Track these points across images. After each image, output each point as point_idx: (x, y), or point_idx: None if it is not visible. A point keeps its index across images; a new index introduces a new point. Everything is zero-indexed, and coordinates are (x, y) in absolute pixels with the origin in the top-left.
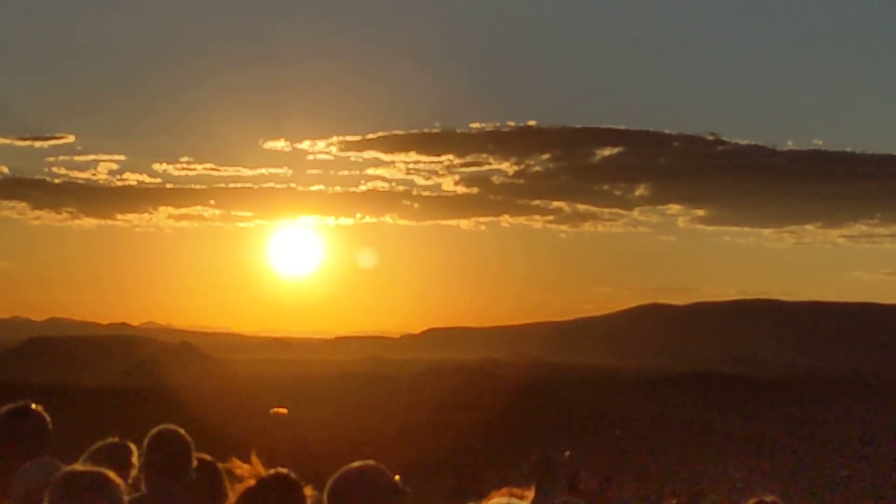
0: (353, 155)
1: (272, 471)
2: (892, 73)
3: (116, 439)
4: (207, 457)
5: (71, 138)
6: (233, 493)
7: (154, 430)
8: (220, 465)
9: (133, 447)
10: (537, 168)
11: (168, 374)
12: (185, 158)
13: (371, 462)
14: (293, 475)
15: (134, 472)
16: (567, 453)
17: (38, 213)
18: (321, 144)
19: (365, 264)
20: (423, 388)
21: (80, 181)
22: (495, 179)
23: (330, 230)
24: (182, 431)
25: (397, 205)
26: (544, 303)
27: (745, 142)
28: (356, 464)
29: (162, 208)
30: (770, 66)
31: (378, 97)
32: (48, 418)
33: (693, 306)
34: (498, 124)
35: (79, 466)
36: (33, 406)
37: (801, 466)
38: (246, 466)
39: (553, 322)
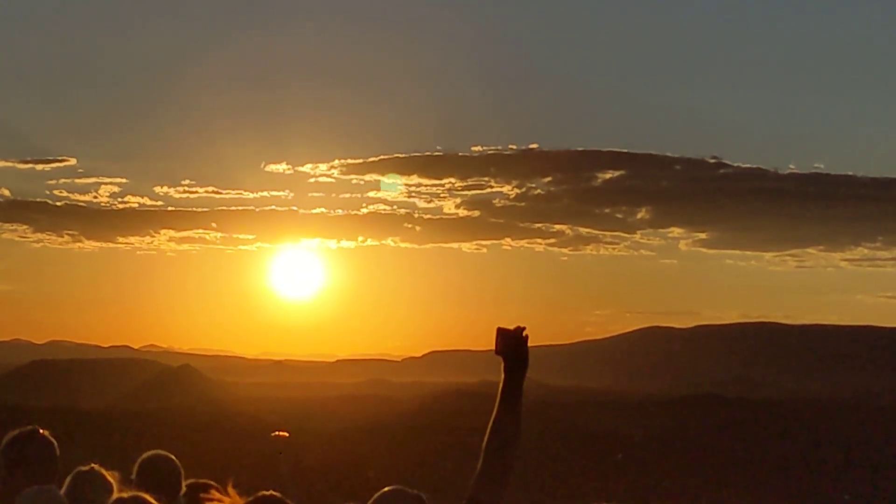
0: (354, 178)
1: (259, 493)
2: (894, 96)
3: (95, 465)
4: (210, 482)
5: (73, 161)
6: None
7: (143, 456)
8: (216, 489)
9: (106, 474)
10: (539, 191)
11: (169, 396)
12: (187, 181)
13: (400, 486)
14: (278, 496)
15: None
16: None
17: (39, 235)
18: (323, 167)
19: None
20: (424, 411)
21: (82, 204)
22: (497, 202)
23: (332, 253)
24: (171, 456)
25: (399, 228)
26: (546, 325)
27: (746, 165)
28: (387, 489)
29: (163, 231)
30: (772, 90)
31: (380, 120)
32: (55, 443)
33: (695, 329)
34: (500, 147)
35: (124, 493)
36: (41, 431)
37: (803, 490)
38: (226, 499)
39: (554, 345)
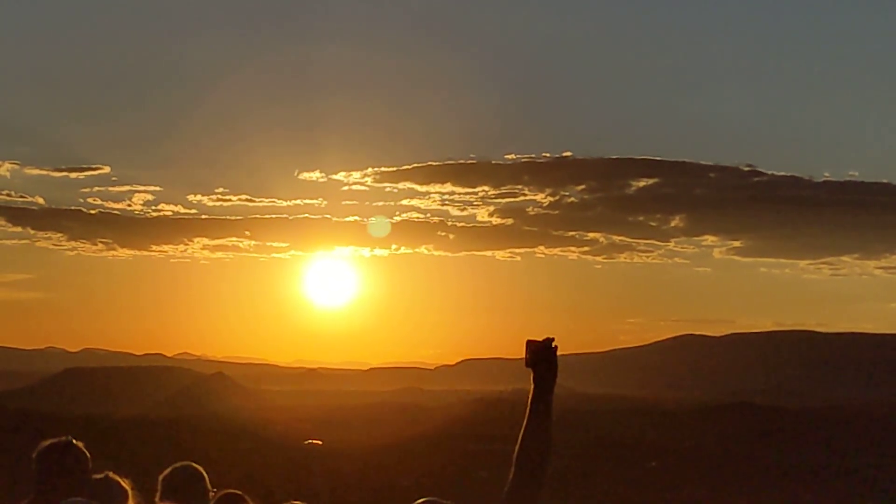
0: (388, 186)
1: (286, 502)
2: None
3: (110, 473)
4: (239, 492)
5: (107, 169)
6: None
7: (171, 467)
8: (245, 501)
9: (121, 481)
10: (572, 199)
11: (203, 404)
12: (221, 189)
13: (434, 497)
14: None
15: None
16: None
17: (73, 243)
18: (356, 175)
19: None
20: (458, 420)
21: (116, 212)
22: (530, 210)
23: (365, 261)
24: (199, 467)
25: (432, 235)
26: (579, 334)
27: (781, 173)
28: (421, 499)
29: (197, 239)
30: (806, 97)
31: (413, 128)
32: (88, 455)
33: (729, 337)
34: (533, 155)
35: None
36: (75, 442)
37: (838, 499)
38: None
39: (588, 353)
